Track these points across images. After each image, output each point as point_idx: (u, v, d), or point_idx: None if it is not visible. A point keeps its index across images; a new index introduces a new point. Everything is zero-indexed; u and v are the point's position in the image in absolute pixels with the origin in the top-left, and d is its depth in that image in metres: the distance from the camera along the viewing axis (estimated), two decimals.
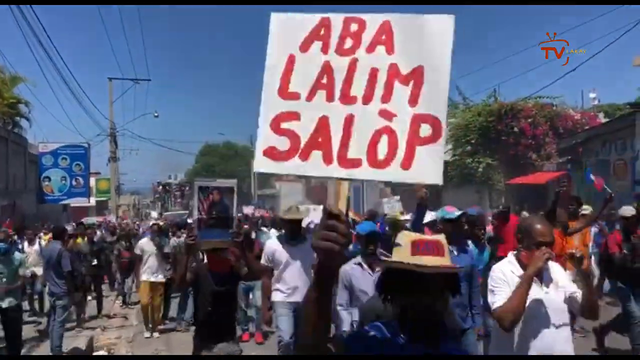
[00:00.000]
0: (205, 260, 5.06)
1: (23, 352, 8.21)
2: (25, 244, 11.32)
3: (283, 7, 1.80)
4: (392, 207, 11.17)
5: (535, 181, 18.89)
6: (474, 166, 22.59)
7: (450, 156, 25.03)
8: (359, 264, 4.47)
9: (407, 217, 7.62)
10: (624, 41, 28.03)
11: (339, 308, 4.45)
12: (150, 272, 9.23)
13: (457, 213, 4.84)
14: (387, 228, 5.05)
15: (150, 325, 9.32)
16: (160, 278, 9.31)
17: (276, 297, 5.58)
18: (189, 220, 15.39)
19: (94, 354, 8.05)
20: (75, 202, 22.12)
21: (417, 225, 5.10)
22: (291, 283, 5.48)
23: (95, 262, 11.19)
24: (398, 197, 12.12)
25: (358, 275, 4.42)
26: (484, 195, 22.37)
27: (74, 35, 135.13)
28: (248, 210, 20.70)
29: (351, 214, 9.69)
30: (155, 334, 9.26)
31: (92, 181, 29.09)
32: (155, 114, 34.14)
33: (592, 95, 28.12)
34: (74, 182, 21.19)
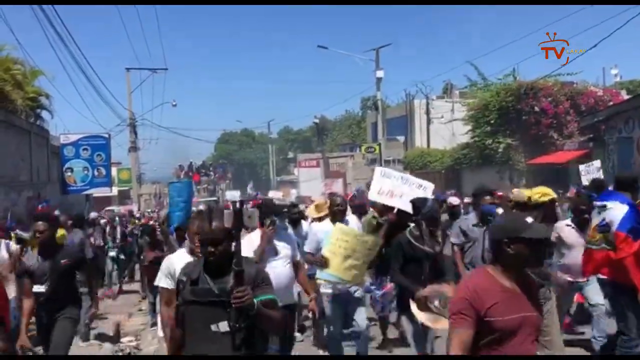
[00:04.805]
0: None
1: None
2: None
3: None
4: (588, 172, 9.41)
5: (557, 160, 18.66)
6: (494, 147, 22.36)
7: (469, 137, 24.79)
8: None
9: None
10: None
11: None
12: None
13: None
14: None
15: None
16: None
17: None
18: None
19: (122, 339, 8.24)
20: (98, 192, 22.41)
21: None
22: None
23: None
24: (598, 164, 9.64)
25: None
26: (505, 175, 22.16)
27: (90, 26, 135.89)
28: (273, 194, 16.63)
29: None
30: None
31: (114, 171, 29.42)
32: (174, 103, 34.43)
33: (613, 71, 27.59)
34: (95, 172, 21.46)
